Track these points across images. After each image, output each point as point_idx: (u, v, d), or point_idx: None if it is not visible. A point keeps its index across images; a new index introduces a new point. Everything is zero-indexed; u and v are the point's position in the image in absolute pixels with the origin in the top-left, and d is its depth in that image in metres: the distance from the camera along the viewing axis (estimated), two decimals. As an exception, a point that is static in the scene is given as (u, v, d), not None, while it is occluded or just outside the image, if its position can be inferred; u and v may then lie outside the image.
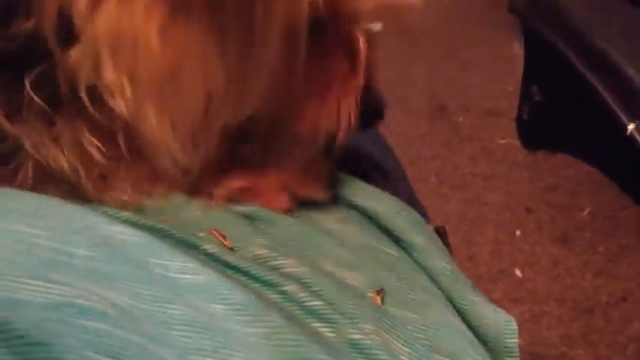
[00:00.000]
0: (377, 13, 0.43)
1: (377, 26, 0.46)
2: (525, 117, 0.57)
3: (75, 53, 0.38)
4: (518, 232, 1.41)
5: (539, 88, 0.55)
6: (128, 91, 0.38)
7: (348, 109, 0.43)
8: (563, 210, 1.46)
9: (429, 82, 1.80)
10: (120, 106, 0.38)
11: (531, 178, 1.51)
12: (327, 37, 0.42)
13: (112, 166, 0.41)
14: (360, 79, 0.44)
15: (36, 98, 0.38)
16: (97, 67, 0.38)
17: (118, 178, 0.42)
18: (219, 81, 0.38)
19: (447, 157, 1.59)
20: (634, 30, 0.51)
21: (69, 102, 0.39)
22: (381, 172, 0.54)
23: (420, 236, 0.45)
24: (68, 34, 0.37)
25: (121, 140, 0.41)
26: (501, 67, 1.83)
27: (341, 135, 0.43)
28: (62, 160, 0.40)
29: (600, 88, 0.48)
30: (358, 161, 0.53)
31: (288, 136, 0.43)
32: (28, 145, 0.39)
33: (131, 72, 0.37)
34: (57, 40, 0.37)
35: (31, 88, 0.38)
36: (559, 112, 0.55)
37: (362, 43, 0.43)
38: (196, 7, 0.36)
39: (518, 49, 1.79)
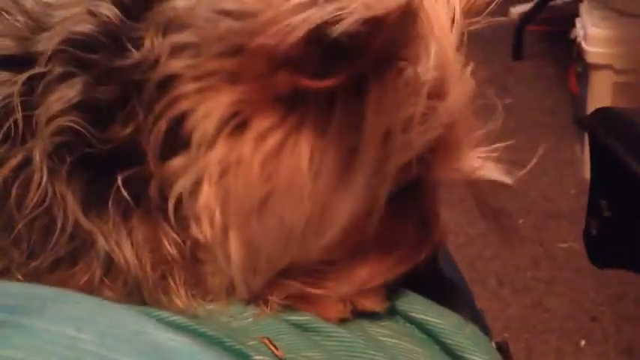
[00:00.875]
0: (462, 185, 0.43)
1: None
2: (594, 232, 0.55)
3: (176, 166, 0.39)
4: (582, 342, 1.35)
5: (608, 204, 0.54)
6: (218, 220, 0.39)
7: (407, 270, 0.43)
8: (631, 319, 1.39)
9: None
10: (205, 231, 0.39)
11: (597, 285, 1.46)
12: (410, 198, 0.43)
13: (173, 269, 0.41)
14: (428, 249, 0.44)
15: (125, 194, 0.39)
16: (195, 191, 0.38)
17: (176, 281, 0.42)
18: (303, 216, 0.38)
19: (507, 259, 1.55)
20: None
21: (152, 204, 0.40)
22: (443, 285, 0.53)
23: (482, 356, 0.44)
24: (171, 146, 0.39)
25: (187, 248, 0.41)
26: (562, 169, 1.80)
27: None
28: (131, 255, 0.40)
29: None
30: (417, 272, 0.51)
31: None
32: (100, 242, 0.40)
33: (225, 200, 0.38)
34: (158, 153, 0.39)
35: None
36: (630, 230, 0.54)
37: (440, 215, 0.43)
38: (304, 140, 0.37)
39: (579, 153, 1.78)
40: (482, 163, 0.42)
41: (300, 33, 0.32)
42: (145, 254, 0.41)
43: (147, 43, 0.37)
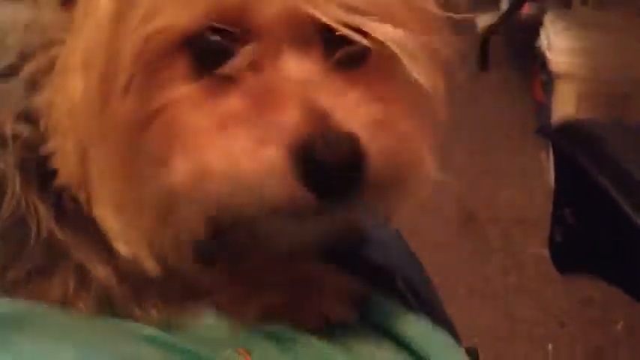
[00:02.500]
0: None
1: None
2: (559, 239, 0.56)
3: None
4: (550, 347, 1.36)
5: (571, 212, 0.55)
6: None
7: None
8: (598, 324, 1.41)
9: (459, 192, 1.80)
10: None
11: (565, 291, 1.48)
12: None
13: (145, 280, 0.41)
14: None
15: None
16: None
17: (150, 293, 0.42)
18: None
19: (476, 266, 1.57)
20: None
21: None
22: (415, 292, 0.53)
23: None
24: None
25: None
26: (529, 176, 1.83)
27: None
28: (102, 267, 0.40)
29: (635, 217, 0.48)
30: (393, 281, 0.52)
31: None
32: (73, 253, 0.40)
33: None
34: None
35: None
36: (593, 237, 0.55)
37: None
38: None
39: (545, 161, 1.81)
40: None
41: None
42: (114, 268, 0.40)
43: None
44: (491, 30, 2.21)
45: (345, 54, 0.37)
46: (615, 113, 1.62)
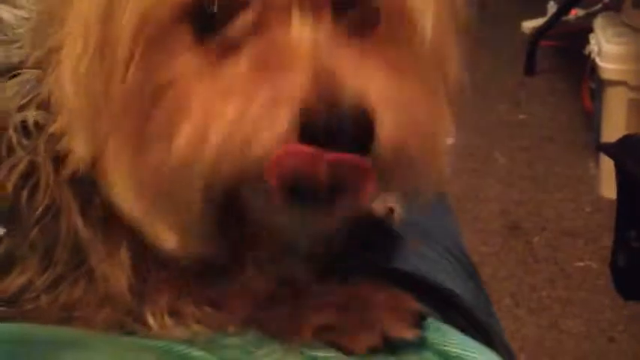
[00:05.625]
0: None
1: (448, 139, 0.43)
2: (622, 264, 0.54)
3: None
4: (599, 363, 1.33)
5: (637, 235, 0.53)
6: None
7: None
8: (648, 339, 1.37)
9: (501, 199, 1.77)
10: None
11: (613, 305, 1.44)
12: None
13: (174, 293, 0.40)
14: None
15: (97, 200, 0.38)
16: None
17: (185, 308, 0.41)
18: None
19: (522, 278, 1.54)
20: None
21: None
22: (469, 314, 0.52)
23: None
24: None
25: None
26: (577, 186, 1.79)
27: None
28: (118, 274, 0.40)
29: None
30: (447, 300, 0.50)
31: None
32: (93, 259, 0.39)
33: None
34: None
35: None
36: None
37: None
38: None
39: (593, 170, 1.77)
40: None
41: None
42: (128, 272, 0.40)
43: None
44: (537, 35, 2.17)
45: (355, 18, 0.35)
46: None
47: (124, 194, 0.36)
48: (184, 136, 0.34)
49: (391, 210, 0.54)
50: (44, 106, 0.39)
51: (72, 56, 0.36)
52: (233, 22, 0.34)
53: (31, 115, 0.39)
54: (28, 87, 0.39)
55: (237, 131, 0.33)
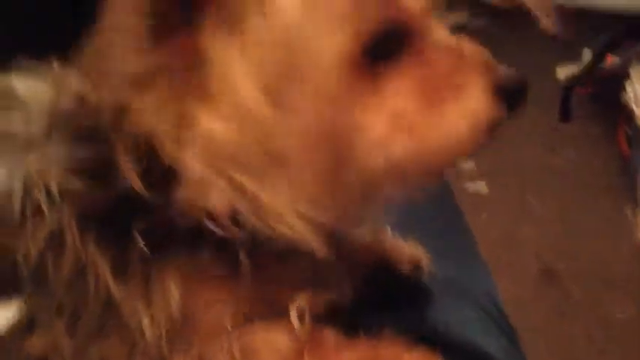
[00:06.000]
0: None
1: (483, 186, 0.47)
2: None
3: (184, 191, 0.39)
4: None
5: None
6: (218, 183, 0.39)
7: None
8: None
9: (536, 245, 1.75)
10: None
11: (656, 359, 1.40)
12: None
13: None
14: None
15: (141, 244, 0.39)
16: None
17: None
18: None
19: (558, 327, 1.50)
20: None
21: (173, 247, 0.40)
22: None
23: None
24: (165, 180, 0.39)
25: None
26: (614, 232, 1.76)
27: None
28: (152, 327, 0.40)
29: None
30: None
31: None
32: (126, 311, 0.40)
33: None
34: (153, 192, 0.39)
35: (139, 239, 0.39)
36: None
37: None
38: None
39: (631, 216, 1.73)
40: None
41: None
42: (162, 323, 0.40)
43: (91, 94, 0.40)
44: (572, 81, 2.16)
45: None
46: None
47: (290, 220, 0.40)
48: (399, 146, 0.40)
49: (418, 264, 0.54)
50: (78, 173, 0.40)
51: (212, 120, 0.38)
52: (400, 47, 0.41)
53: (56, 185, 0.40)
54: (58, 156, 0.40)
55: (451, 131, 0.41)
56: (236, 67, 0.37)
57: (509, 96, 0.42)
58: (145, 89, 0.38)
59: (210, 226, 0.40)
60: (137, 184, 0.39)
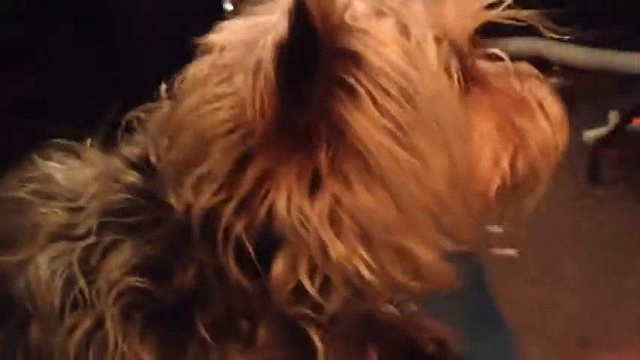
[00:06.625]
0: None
1: (513, 252, 0.48)
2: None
3: (278, 270, 0.40)
4: None
5: None
6: (367, 256, 0.39)
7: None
8: None
9: (569, 312, 1.71)
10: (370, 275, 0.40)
11: None
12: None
13: None
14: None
15: (208, 339, 0.40)
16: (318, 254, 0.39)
17: None
18: None
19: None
20: None
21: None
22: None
23: None
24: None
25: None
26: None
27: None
28: None
29: None
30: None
31: None
32: None
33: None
34: (243, 274, 0.40)
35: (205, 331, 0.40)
36: None
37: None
38: None
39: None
40: None
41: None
42: None
43: (171, 193, 0.39)
44: (600, 144, 2.15)
45: None
46: None
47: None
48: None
49: (443, 343, 0.53)
50: (140, 270, 0.41)
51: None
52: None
53: (130, 282, 0.40)
54: (127, 256, 0.41)
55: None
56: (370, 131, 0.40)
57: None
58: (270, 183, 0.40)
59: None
60: (245, 282, 0.40)
